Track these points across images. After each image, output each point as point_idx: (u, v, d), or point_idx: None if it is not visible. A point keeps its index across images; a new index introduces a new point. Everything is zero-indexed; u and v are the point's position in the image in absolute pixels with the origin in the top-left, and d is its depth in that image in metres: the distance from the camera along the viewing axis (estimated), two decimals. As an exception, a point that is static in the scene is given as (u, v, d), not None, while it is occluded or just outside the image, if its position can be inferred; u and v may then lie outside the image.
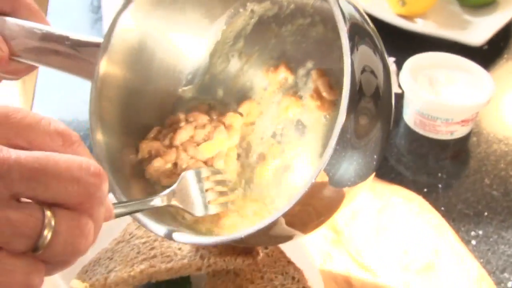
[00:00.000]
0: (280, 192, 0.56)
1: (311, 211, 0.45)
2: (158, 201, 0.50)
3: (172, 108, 0.62)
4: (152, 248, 0.63)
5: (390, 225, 0.72)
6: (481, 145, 0.87)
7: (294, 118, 0.57)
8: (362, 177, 0.45)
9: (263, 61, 0.59)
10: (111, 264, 0.63)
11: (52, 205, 0.33)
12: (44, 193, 0.33)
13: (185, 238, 0.51)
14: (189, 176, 0.53)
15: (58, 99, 0.96)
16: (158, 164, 0.56)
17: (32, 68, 0.61)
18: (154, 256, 0.62)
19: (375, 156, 0.45)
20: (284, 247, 0.64)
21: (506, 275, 0.68)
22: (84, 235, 0.34)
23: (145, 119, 0.60)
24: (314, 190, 0.42)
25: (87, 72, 0.55)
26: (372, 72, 0.44)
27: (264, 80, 0.59)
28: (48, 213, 0.33)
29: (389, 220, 0.72)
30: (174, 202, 0.51)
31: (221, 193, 0.55)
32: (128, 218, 0.56)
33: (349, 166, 0.43)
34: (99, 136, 0.55)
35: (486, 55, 1.02)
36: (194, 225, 0.56)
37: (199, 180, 0.54)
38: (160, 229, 0.52)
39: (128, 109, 0.59)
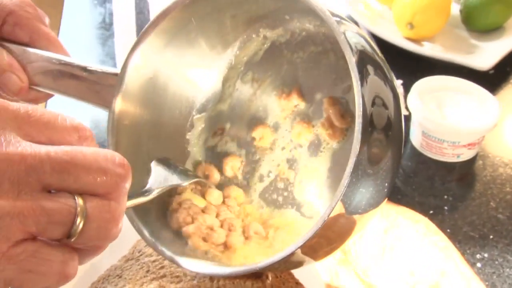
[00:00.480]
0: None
1: (323, 240, 0.46)
2: (152, 194, 0.52)
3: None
4: (162, 267, 0.64)
5: (396, 245, 0.72)
6: (487, 168, 0.88)
7: (306, 145, 0.58)
8: (374, 205, 0.46)
9: (275, 86, 0.61)
10: (120, 282, 0.64)
11: (82, 194, 0.35)
12: (74, 183, 0.34)
13: (199, 267, 0.52)
14: (156, 164, 0.56)
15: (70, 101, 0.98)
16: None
17: (50, 96, 0.63)
18: (164, 276, 0.63)
19: (386, 184, 0.46)
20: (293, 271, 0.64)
21: (511, 298, 0.69)
22: (115, 220, 0.36)
23: (160, 150, 0.61)
24: (330, 221, 0.43)
25: (104, 101, 0.57)
26: (383, 102, 0.45)
27: (277, 106, 0.60)
28: (79, 200, 0.35)
29: (395, 240, 0.73)
30: (159, 186, 0.54)
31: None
32: (137, 235, 0.57)
33: (362, 195, 0.43)
34: None
35: (492, 80, 1.03)
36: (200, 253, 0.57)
37: (166, 163, 0.57)
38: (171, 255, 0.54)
39: (142, 141, 0.60)
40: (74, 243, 0.35)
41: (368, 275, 0.69)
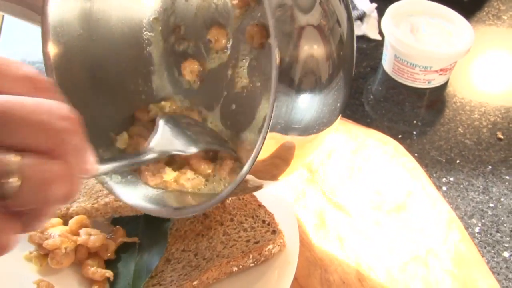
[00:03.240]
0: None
1: (277, 162, 0.44)
2: (151, 155, 0.48)
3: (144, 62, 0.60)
4: None
5: (364, 166, 0.72)
6: (456, 94, 0.87)
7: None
8: (326, 124, 0.44)
9: None
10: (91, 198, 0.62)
11: (22, 151, 0.31)
12: (10, 138, 0.30)
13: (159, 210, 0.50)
14: (164, 122, 0.52)
15: (25, 44, 0.92)
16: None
17: None
18: None
19: (337, 103, 0.44)
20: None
21: (474, 220, 0.70)
22: (57, 181, 0.31)
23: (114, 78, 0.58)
24: (272, 143, 0.41)
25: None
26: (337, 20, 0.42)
27: (231, 8, 0.56)
28: (15, 158, 0.30)
29: (363, 161, 0.72)
30: (162, 149, 0.50)
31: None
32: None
33: (305, 113, 0.41)
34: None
35: (467, 7, 1.01)
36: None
37: (175, 124, 0.53)
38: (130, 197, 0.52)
39: (93, 69, 0.56)
40: (11, 206, 0.31)
41: (335, 194, 0.69)
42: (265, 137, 0.40)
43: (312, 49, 0.40)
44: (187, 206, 0.49)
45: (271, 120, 0.39)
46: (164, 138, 0.51)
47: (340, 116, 0.46)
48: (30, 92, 0.32)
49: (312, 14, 0.40)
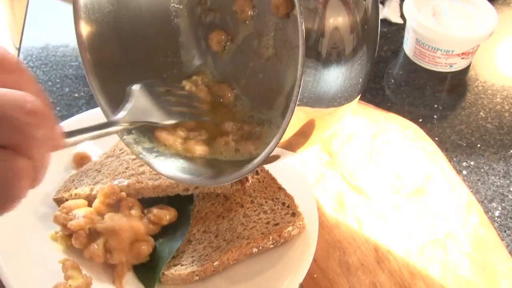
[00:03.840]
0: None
1: (299, 132, 0.44)
2: (119, 126, 0.47)
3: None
4: (141, 165, 0.63)
5: (383, 150, 0.72)
6: (478, 78, 0.87)
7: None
8: (347, 98, 0.44)
9: None
10: (98, 176, 0.63)
11: None
12: None
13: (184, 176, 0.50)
14: (139, 90, 0.51)
15: (49, 28, 0.94)
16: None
17: None
18: (143, 173, 0.62)
19: (359, 78, 0.44)
20: (279, 171, 0.64)
21: (494, 204, 0.70)
22: (18, 177, 0.30)
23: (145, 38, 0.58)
24: (296, 114, 0.41)
25: None
26: None
27: None
28: None
29: (383, 144, 0.73)
30: (133, 119, 0.48)
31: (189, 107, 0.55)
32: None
33: (330, 85, 0.42)
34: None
35: (491, -10, 1.00)
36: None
37: (152, 92, 0.51)
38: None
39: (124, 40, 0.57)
40: None
41: (355, 178, 0.69)
42: (294, 108, 0.40)
43: (337, 21, 0.40)
44: (221, 175, 0.49)
45: (299, 92, 0.39)
46: (136, 108, 0.49)
47: (360, 94, 0.46)
48: None
49: None
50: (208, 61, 0.61)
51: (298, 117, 0.41)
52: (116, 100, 0.52)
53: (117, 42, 0.56)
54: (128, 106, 0.49)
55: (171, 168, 0.51)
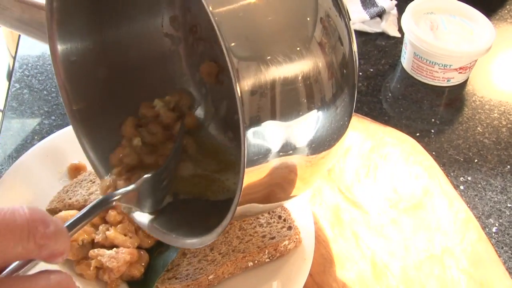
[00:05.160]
0: None
1: (293, 179, 0.43)
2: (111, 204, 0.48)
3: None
4: None
5: (381, 164, 0.72)
6: (476, 93, 0.87)
7: None
8: (336, 139, 0.43)
9: None
10: (93, 187, 0.62)
11: None
12: None
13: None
14: (149, 180, 0.51)
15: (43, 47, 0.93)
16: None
17: None
18: None
19: (345, 118, 0.42)
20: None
21: (491, 220, 0.69)
22: None
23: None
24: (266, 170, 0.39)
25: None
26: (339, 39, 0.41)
27: None
28: None
29: (380, 158, 0.72)
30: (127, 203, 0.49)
31: None
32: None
33: (313, 134, 0.40)
34: None
35: (488, 5, 1.00)
36: None
37: (159, 180, 0.52)
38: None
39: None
40: None
41: (352, 192, 0.69)
42: (243, 176, 0.38)
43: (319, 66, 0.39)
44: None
45: (245, 156, 0.37)
46: (132, 195, 0.50)
47: (348, 129, 0.44)
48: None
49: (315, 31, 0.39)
50: (203, 93, 0.59)
51: (289, 170, 0.40)
52: (105, 144, 0.53)
53: (106, 84, 0.55)
54: (133, 188, 0.49)
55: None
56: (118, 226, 0.56)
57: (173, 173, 0.53)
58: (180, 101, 0.58)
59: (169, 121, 0.56)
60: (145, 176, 0.51)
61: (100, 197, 0.47)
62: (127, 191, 0.49)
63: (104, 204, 0.46)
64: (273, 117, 0.37)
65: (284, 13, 0.37)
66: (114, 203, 0.47)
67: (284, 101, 0.37)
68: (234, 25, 0.35)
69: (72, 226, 0.41)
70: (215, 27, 0.34)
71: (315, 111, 0.39)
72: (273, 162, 0.38)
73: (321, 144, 0.41)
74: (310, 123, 0.39)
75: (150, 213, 0.51)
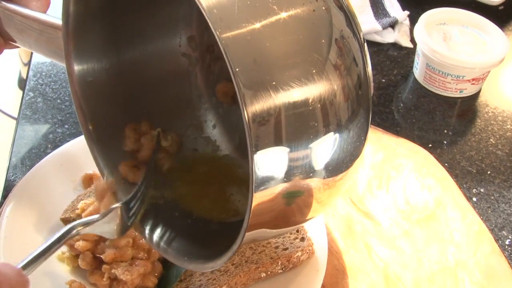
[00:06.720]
0: None
1: (310, 202, 0.42)
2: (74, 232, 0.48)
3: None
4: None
5: (393, 175, 0.71)
6: (489, 104, 0.86)
7: None
8: (353, 159, 0.42)
9: None
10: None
11: None
12: None
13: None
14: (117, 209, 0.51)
15: None
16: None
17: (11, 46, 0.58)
18: None
19: (362, 137, 0.42)
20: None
21: (504, 233, 0.69)
22: None
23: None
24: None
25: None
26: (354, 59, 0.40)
27: None
28: None
29: (392, 170, 0.72)
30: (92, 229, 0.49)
31: None
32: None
33: (329, 157, 0.40)
34: None
35: (501, 15, 1.00)
36: None
37: (127, 208, 0.52)
38: None
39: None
40: None
41: (364, 203, 0.68)
42: (252, 200, 0.37)
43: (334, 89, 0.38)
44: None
45: (254, 182, 0.36)
46: (104, 223, 0.50)
47: (364, 148, 0.44)
48: None
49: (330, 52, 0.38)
50: (220, 113, 0.59)
51: (308, 194, 0.40)
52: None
53: (122, 105, 0.55)
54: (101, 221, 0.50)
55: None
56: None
57: (144, 200, 0.53)
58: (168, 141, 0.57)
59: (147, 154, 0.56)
60: (113, 206, 0.51)
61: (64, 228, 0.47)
62: (91, 220, 0.49)
63: (65, 236, 0.46)
64: (285, 141, 0.36)
65: (296, 35, 0.37)
66: (76, 232, 0.47)
67: (297, 125, 0.37)
68: (242, 48, 0.35)
69: (30, 263, 0.42)
70: (222, 51, 0.34)
71: (331, 133, 0.38)
72: (286, 186, 0.38)
73: (338, 166, 0.41)
74: (326, 147, 0.39)
75: (162, 234, 0.51)
